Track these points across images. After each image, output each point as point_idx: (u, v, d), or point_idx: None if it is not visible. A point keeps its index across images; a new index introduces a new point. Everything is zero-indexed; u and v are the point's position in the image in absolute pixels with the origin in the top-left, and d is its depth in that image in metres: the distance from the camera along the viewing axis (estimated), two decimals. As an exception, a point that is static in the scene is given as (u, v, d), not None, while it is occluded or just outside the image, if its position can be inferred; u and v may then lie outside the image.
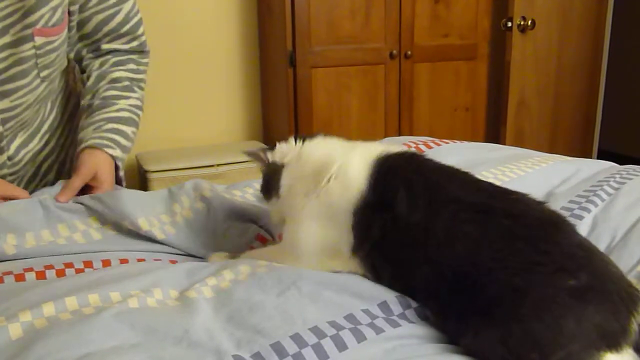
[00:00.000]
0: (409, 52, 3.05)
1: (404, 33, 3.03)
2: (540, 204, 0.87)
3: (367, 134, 2.95)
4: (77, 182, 1.17)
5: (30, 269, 0.91)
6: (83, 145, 1.23)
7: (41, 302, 0.76)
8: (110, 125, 1.27)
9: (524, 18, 3.14)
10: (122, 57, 1.37)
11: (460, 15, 3.16)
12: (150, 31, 2.66)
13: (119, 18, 1.32)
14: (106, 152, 1.23)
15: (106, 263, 0.97)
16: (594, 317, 0.70)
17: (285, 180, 0.93)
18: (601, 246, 0.99)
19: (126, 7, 1.33)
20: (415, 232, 0.82)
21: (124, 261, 0.99)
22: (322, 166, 0.91)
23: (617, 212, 1.06)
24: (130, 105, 1.33)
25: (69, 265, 0.94)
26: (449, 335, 0.77)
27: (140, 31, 1.39)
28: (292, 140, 0.96)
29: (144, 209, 1.09)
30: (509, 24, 3.13)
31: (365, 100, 3.05)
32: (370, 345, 0.73)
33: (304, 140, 0.96)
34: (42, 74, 1.23)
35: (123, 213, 1.06)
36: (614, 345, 0.70)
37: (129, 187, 1.32)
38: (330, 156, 0.92)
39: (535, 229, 0.79)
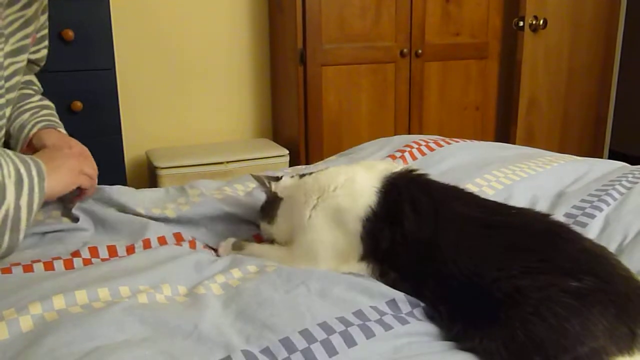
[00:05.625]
0: (420, 51, 3.04)
1: (415, 31, 3.02)
2: (544, 216, 0.90)
3: (377, 132, 2.94)
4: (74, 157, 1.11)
5: (38, 260, 0.91)
6: (37, 127, 1.18)
7: (51, 295, 0.76)
8: (46, 111, 1.25)
9: (535, 17, 3.12)
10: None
11: (471, 13, 3.14)
12: (160, 29, 2.68)
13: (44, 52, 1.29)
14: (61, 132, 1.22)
15: (112, 250, 0.98)
16: (600, 320, 0.69)
17: (281, 212, 1.01)
18: (612, 245, 0.98)
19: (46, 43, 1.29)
20: (423, 248, 0.85)
21: (129, 249, 0.99)
22: (328, 178, 0.97)
23: (629, 212, 1.05)
24: (42, 99, 1.30)
25: (76, 254, 0.94)
26: (456, 338, 0.77)
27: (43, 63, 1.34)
28: (296, 176, 1.04)
29: (141, 201, 1.13)
30: (521, 23, 3.11)
31: (375, 99, 3.04)
32: (379, 342, 0.73)
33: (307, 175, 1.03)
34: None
35: (121, 204, 1.10)
36: (626, 349, 0.69)
37: (138, 184, 1.32)
38: (335, 170, 0.99)
39: (537, 239, 0.81)
